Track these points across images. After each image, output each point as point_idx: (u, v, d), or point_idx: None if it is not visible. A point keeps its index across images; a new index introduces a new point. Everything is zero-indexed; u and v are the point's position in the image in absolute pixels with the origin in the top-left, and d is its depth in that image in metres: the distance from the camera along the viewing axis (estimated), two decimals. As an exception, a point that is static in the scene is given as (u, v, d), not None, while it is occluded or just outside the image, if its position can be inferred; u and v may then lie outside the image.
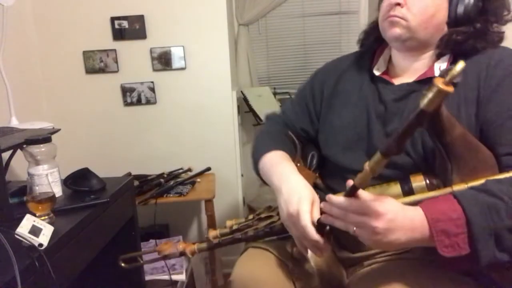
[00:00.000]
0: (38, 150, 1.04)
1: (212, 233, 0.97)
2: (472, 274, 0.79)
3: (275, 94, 2.63)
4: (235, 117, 2.01)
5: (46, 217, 0.92)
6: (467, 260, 0.68)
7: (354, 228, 0.70)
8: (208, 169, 1.96)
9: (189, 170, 1.95)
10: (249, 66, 2.69)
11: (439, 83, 0.56)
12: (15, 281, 0.68)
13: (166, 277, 1.66)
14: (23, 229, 0.80)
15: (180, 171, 1.94)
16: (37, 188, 0.94)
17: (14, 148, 1.12)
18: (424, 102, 0.57)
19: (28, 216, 0.83)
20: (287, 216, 0.82)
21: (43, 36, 1.90)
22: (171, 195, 1.72)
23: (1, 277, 0.69)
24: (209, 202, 1.74)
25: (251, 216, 0.95)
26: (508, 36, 0.88)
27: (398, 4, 0.85)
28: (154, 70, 1.94)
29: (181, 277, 1.69)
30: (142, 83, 1.95)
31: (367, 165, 0.65)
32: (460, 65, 0.56)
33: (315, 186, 1.00)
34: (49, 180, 1.01)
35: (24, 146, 1.05)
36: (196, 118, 2.00)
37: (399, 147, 0.61)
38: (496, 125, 0.78)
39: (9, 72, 1.46)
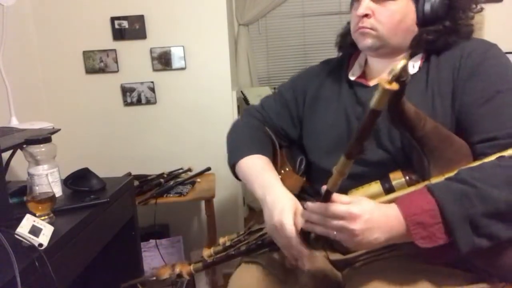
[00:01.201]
0: (38, 150, 1.04)
1: (206, 252, 0.98)
2: (459, 265, 0.80)
3: (275, 94, 2.63)
4: (235, 117, 2.01)
5: (46, 217, 0.92)
6: (449, 250, 0.69)
7: (335, 233, 0.71)
8: (208, 169, 1.96)
9: (189, 170, 1.95)
10: (249, 66, 2.70)
11: (383, 82, 0.58)
12: (15, 281, 0.68)
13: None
14: (23, 229, 0.80)
15: (180, 171, 1.94)
16: (37, 188, 0.94)
17: (14, 148, 1.12)
18: (373, 102, 0.59)
19: (28, 216, 0.83)
20: (270, 229, 0.84)
21: (43, 36, 1.90)
22: (171, 195, 1.72)
23: (1, 277, 0.69)
24: (209, 202, 1.74)
25: (242, 231, 0.96)
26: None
27: (366, 15, 0.87)
28: (154, 70, 1.94)
29: (181, 277, 1.69)
30: (142, 83, 1.95)
31: (335, 169, 0.67)
32: (401, 63, 0.59)
33: (304, 191, 1.01)
34: (49, 180, 1.01)
35: (24, 146, 1.05)
36: (196, 118, 2.00)
37: (360, 148, 0.63)
38: (469, 114, 0.80)
39: (9, 72, 1.46)
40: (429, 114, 0.79)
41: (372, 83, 0.94)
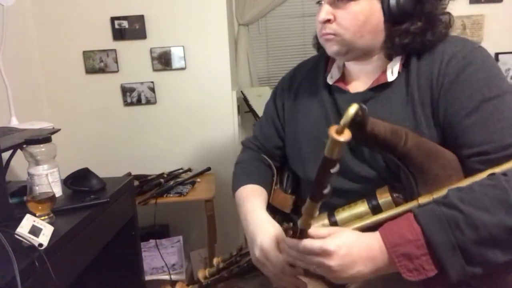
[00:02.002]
0: (38, 150, 1.04)
1: (201, 274, 0.99)
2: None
3: (275, 94, 2.63)
4: (235, 117, 2.01)
5: (46, 217, 0.92)
6: (439, 279, 0.64)
7: (315, 267, 0.69)
8: (208, 169, 1.96)
9: (189, 170, 1.95)
10: (249, 66, 2.69)
11: (333, 132, 0.53)
12: (15, 281, 0.68)
13: (166, 277, 1.67)
14: (23, 229, 0.80)
15: (180, 171, 1.94)
16: (37, 188, 0.93)
17: (14, 148, 1.12)
18: (326, 150, 0.55)
19: (28, 216, 0.83)
20: (255, 261, 0.83)
21: (43, 36, 1.90)
22: (171, 195, 1.72)
23: (1, 277, 0.69)
24: (209, 202, 1.74)
25: (235, 252, 0.96)
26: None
27: (328, 20, 0.81)
28: (154, 70, 1.95)
29: (181, 277, 1.69)
30: (142, 83, 1.95)
31: (303, 210, 0.64)
32: (353, 109, 0.55)
33: (297, 208, 0.98)
34: (49, 180, 1.01)
35: (24, 146, 1.05)
36: (196, 118, 2.00)
37: (322, 194, 0.59)
38: (455, 125, 0.74)
39: (9, 72, 1.46)
40: (412, 125, 0.76)
41: (350, 87, 0.89)
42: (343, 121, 0.54)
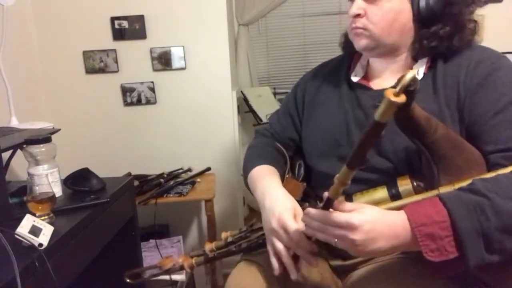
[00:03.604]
0: (38, 150, 1.03)
1: (208, 246, 0.98)
2: (462, 277, 0.78)
3: (275, 94, 2.63)
4: (235, 117, 2.01)
5: (46, 217, 0.92)
6: (455, 263, 0.66)
7: (336, 240, 0.69)
8: (208, 169, 1.96)
9: (189, 170, 1.95)
10: (249, 66, 2.70)
11: (389, 95, 0.55)
12: (15, 281, 0.68)
13: (166, 277, 1.66)
14: (23, 229, 0.80)
15: (180, 171, 1.94)
16: (37, 188, 0.94)
17: (14, 148, 1.12)
18: (377, 114, 0.56)
19: (28, 216, 0.83)
20: (270, 231, 0.83)
21: (43, 36, 1.90)
22: (171, 195, 1.72)
23: (1, 277, 0.69)
24: (209, 202, 1.74)
25: (244, 228, 0.96)
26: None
27: (358, 15, 0.86)
28: (154, 70, 1.95)
29: (181, 277, 1.69)
30: (142, 83, 1.95)
31: (336, 178, 0.65)
32: (410, 74, 0.57)
33: (306, 196, 1.00)
34: (49, 180, 1.01)
35: (24, 146, 1.05)
36: (196, 118, 2.00)
37: (361, 160, 0.60)
38: (481, 124, 0.78)
39: (9, 72, 1.46)
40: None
41: (374, 84, 0.93)
42: (400, 85, 0.56)
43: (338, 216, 0.68)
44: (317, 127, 0.98)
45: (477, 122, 0.78)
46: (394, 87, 0.57)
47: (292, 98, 1.08)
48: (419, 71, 0.85)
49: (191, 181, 1.84)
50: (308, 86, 1.05)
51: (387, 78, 0.91)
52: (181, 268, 1.00)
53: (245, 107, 2.38)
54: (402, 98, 0.55)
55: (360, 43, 0.88)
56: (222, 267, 1.99)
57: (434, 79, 0.84)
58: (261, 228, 0.91)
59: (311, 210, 0.72)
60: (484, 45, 0.87)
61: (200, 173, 1.93)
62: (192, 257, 1.01)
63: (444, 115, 0.80)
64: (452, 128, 0.78)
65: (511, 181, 0.68)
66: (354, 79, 0.95)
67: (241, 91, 2.36)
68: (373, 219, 0.68)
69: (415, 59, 0.88)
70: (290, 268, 0.80)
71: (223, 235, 0.97)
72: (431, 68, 0.86)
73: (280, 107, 1.14)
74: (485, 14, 2.25)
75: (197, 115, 2.00)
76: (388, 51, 0.89)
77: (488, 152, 0.75)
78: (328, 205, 0.69)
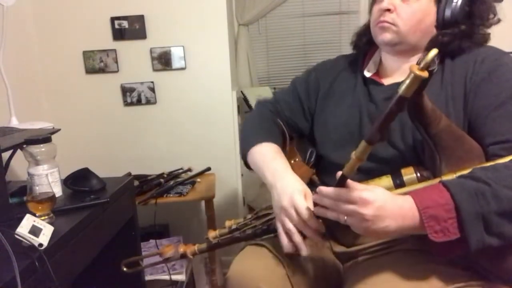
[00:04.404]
0: (38, 150, 1.04)
1: (212, 234, 0.98)
2: (463, 263, 0.80)
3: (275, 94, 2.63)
4: (235, 117, 2.01)
5: (46, 217, 0.92)
6: (457, 246, 0.69)
7: (345, 217, 0.73)
8: (208, 169, 1.96)
9: (189, 170, 1.95)
10: (249, 66, 2.69)
11: (415, 69, 0.60)
12: (15, 281, 0.68)
13: (166, 277, 1.66)
14: (23, 229, 0.80)
15: (180, 171, 1.94)
16: (37, 188, 0.94)
17: (14, 148, 1.12)
18: (402, 88, 0.61)
19: (28, 216, 0.83)
20: (280, 209, 0.85)
21: (43, 36, 1.90)
22: (171, 195, 1.72)
23: (1, 277, 0.69)
24: (209, 202, 1.74)
25: (249, 216, 0.96)
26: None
27: (388, 10, 0.90)
28: (154, 70, 1.94)
29: (181, 277, 1.69)
30: (142, 83, 1.95)
31: (353, 154, 0.68)
32: (433, 52, 0.60)
33: (312, 183, 1.02)
34: (49, 180, 1.01)
35: (24, 146, 1.05)
36: (196, 118, 2.00)
37: (382, 134, 0.64)
38: (482, 117, 0.81)
39: (9, 72, 1.46)
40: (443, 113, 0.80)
41: (385, 81, 0.96)
42: (424, 61, 0.61)
43: (351, 192, 0.71)
44: (332, 117, 1.01)
45: (479, 115, 0.82)
46: (418, 63, 0.61)
47: (305, 84, 1.09)
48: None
49: (191, 181, 1.84)
50: (324, 76, 1.07)
51: (397, 76, 0.95)
52: (182, 256, 0.99)
53: (245, 107, 2.38)
54: (425, 74, 0.60)
55: (385, 36, 0.91)
56: (222, 267, 1.99)
57: (442, 74, 0.88)
58: (266, 215, 0.92)
59: (324, 188, 0.75)
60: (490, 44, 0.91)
61: (200, 173, 1.93)
62: (194, 244, 1.01)
63: (448, 109, 0.84)
64: (455, 121, 0.81)
65: (508, 171, 0.71)
66: (367, 74, 0.99)
67: (241, 91, 2.36)
68: (384, 198, 0.72)
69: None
70: (301, 244, 0.82)
71: (227, 223, 0.97)
72: (439, 64, 0.89)
73: (289, 88, 1.14)
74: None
75: (197, 115, 2.00)
76: (407, 50, 0.93)
77: (488, 144, 0.79)
78: (342, 182, 0.72)
